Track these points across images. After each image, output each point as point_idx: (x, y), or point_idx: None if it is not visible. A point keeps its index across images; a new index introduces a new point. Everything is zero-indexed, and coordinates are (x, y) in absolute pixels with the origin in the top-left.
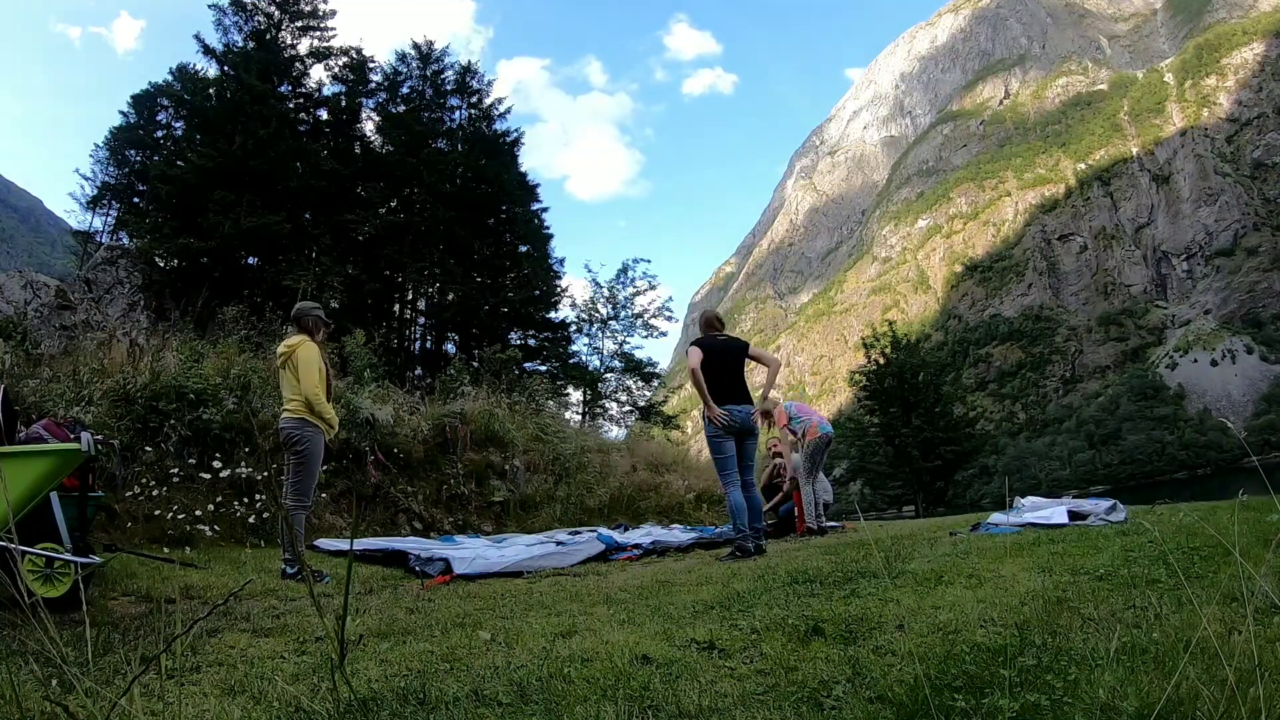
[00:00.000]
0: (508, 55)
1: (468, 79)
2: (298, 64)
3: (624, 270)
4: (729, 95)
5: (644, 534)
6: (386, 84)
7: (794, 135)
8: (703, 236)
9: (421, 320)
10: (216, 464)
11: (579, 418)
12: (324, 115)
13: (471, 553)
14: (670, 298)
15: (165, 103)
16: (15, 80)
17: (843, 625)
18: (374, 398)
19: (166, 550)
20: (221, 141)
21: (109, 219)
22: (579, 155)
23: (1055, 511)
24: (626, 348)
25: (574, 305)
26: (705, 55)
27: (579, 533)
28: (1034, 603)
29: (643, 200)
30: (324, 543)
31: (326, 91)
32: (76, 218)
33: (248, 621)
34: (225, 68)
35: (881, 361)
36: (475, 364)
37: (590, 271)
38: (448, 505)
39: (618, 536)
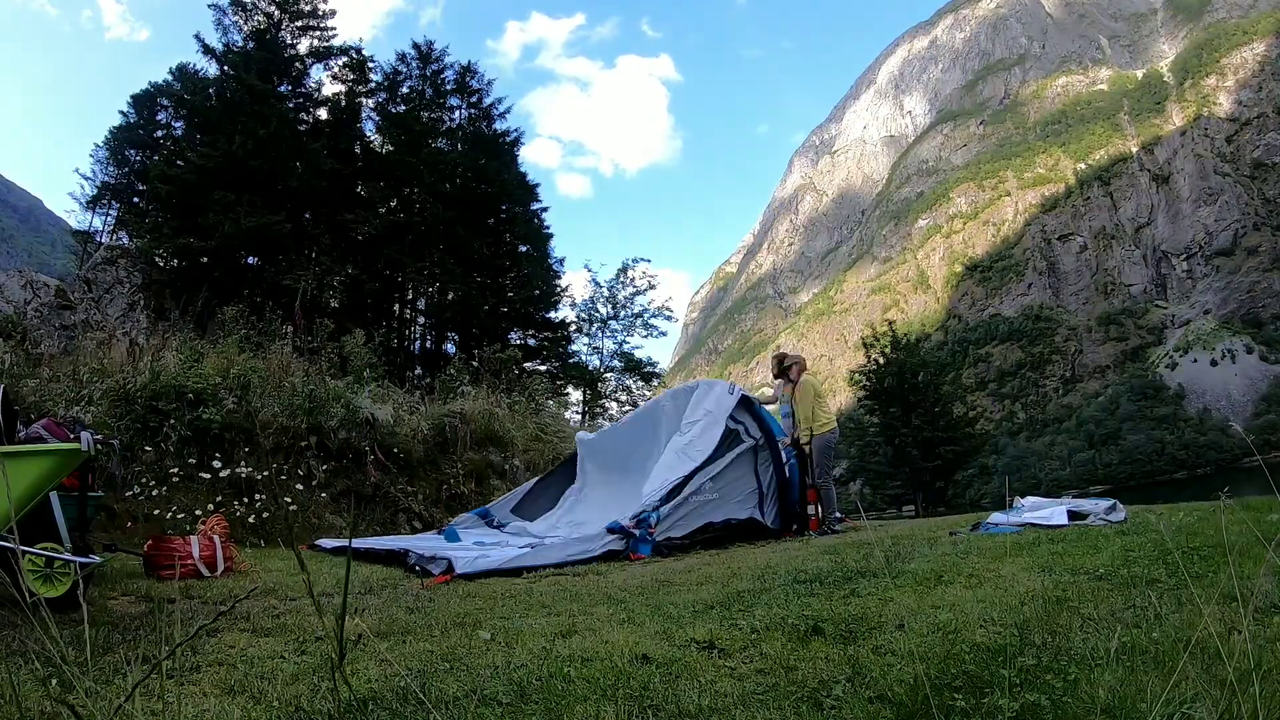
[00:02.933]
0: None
1: (467, 79)
2: (298, 64)
3: (624, 270)
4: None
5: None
6: (386, 84)
7: (794, 133)
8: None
9: (421, 320)
10: (216, 464)
11: (579, 418)
12: (324, 115)
13: (473, 553)
14: (670, 297)
15: (165, 102)
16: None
17: (843, 625)
18: (374, 397)
19: None
20: (221, 141)
21: (109, 219)
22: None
23: (1055, 511)
24: (626, 347)
25: (574, 305)
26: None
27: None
28: (1034, 603)
29: (674, 172)
30: (325, 542)
31: (326, 91)
32: (76, 218)
33: (248, 621)
34: (225, 67)
35: (881, 361)
36: (475, 364)
37: (590, 271)
38: (448, 505)
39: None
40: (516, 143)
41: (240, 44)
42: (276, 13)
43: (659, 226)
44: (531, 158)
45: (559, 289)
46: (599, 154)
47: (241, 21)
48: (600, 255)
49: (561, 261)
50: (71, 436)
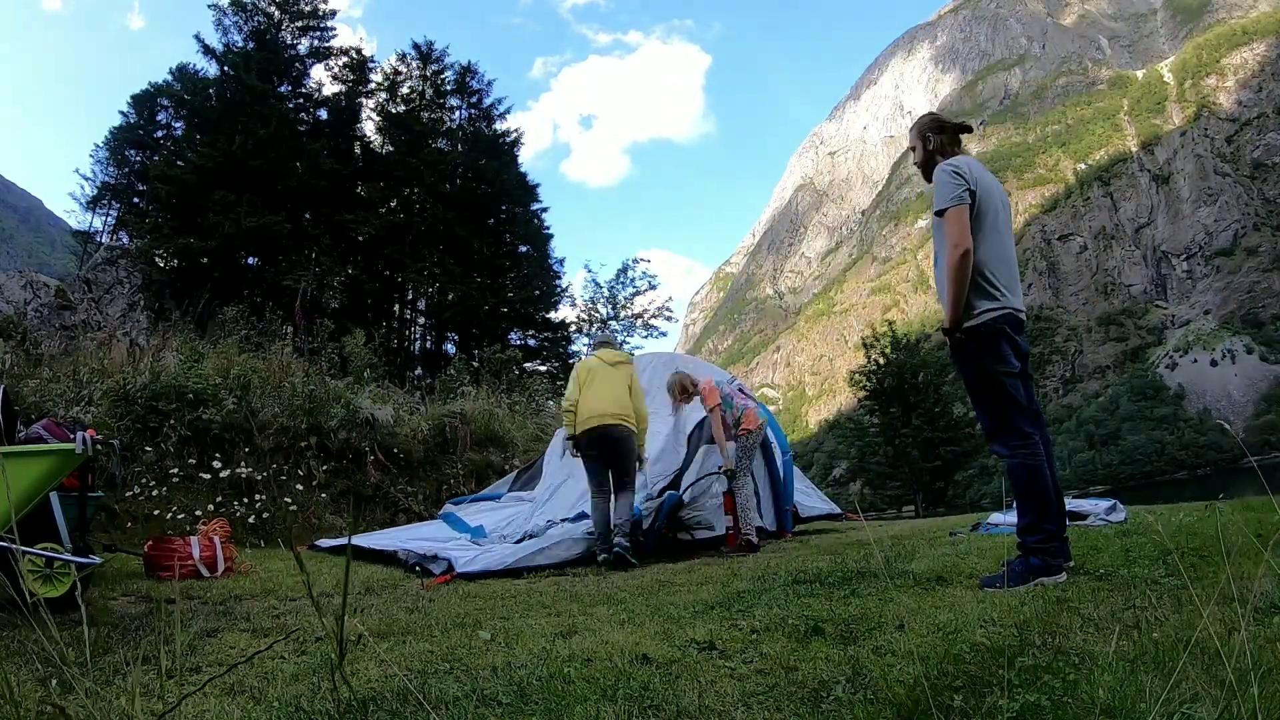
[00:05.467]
0: None
1: (468, 79)
2: (298, 64)
3: (624, 270)
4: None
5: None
6: (386, 84)
7: (794, 135)
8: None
9: (421, 320)
10: (216, 464)
11: None
12: (324, 115)
13: (472, 551)
14: (670, 298)
15: (165, 103)
16: None
17: (843, 625)
18: (374, 398)
19: None
20: (221, 141)
21: (109, 219)
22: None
23: None
24: (626, 348)
25: (574, 304)
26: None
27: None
28: (1034, 603)
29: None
30: (324, 542)
31: (326, 91)
32: (76, 218)
33: (248, 621)
34: (225, 68)
35: (881, 362)
36: (475, 364)
37: (590, 271)
38: None
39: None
40: (516, 143)
41: (240, 44)
42: (276, 13)
43: (685, 210)
44: (549, 133)
45: (559, 289)
46: (625, 134)
47: (241, 22)
48: (624, 240)
49: (561, 262)
50: (71, 437)
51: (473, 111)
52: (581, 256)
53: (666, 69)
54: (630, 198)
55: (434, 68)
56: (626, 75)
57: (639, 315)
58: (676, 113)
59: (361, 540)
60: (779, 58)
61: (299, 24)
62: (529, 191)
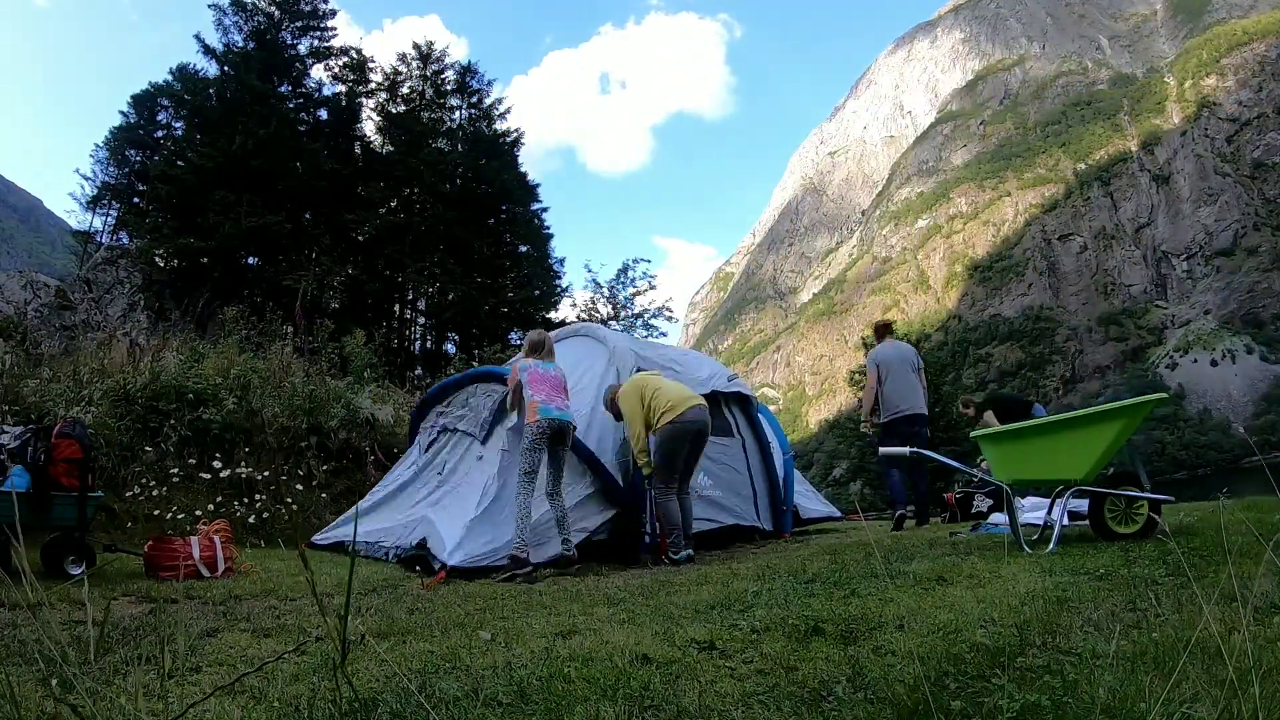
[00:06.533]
0: None
1: (468, 79)
2: (298, 64)
3: (624, 270)
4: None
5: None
6: (386, 84)
7: (794, 135)
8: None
9: (421, 320)
10: (216, 464)
11: None
12: (324, 115)
13: (457, 520)
14: (670, 298)
15: (165, 103)
16: None
17: (843, 625)
18: (374, 398)
19: None
20: (221, 141)
21: (109, 219)
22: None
23: None
24: None
25: (574, 305)
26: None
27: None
28: (1034, 603)
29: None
30: (318, 538)
31: (326, 91)
32: (76, 218)
33: (248, 621)
34: (225, 68)
35: None
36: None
37: (590, 272)
38: None
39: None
40: (517, 143)
41: (240, 44)
42: (276, 13)
43: (706, 189)
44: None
45: (559, 289)
46: (650, 108)
47: (241, 22)
48: (645, 219)
49: (562, 262)
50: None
51: (473, 111)
52: (604, 233)
53: (688, 41)
54: (652, 175)
55: (434, 68)
56: (648, 44)
57: (639, 315)
58: (701, 88)
59: (327, 537)
60: (780, 58)
61: (299, 24)
62: (529, 191)
